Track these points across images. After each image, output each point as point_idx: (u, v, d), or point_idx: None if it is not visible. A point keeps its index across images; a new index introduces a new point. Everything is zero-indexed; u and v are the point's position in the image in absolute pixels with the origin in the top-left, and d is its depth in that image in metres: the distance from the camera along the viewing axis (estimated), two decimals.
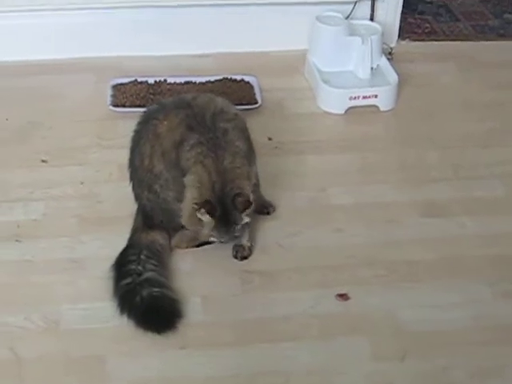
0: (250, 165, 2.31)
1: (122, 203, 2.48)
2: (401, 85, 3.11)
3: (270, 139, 2.85)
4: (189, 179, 2.24)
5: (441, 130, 2.97)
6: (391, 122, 3.05)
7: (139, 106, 2.92)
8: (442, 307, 2.26)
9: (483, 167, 2.79)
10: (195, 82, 3.12)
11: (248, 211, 2.23)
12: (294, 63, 3.28)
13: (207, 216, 2.19)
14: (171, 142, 2.26)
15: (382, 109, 3.07)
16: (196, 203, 2.19)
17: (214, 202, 2.19)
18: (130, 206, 2.40)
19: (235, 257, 2.39)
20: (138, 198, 2.38)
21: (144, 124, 2.34)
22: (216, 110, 2.30)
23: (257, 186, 2.39)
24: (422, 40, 3.54)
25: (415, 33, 3.58)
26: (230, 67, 3.22)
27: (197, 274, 2.33)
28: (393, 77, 3.11)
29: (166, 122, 2.28)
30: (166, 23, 3.24)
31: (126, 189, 2.39)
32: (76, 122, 2.94)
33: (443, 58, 3.41)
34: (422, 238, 2.49)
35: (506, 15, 3.76)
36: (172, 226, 2.36)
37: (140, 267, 2.24)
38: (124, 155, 2.39)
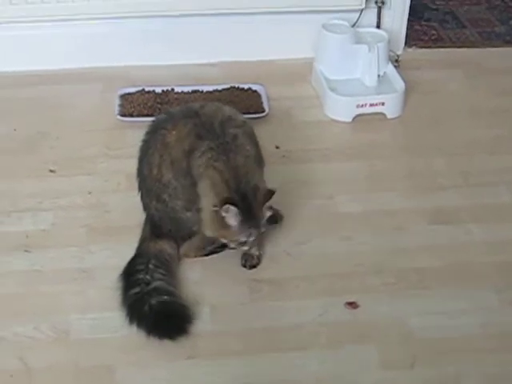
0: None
1: (130, 213, 2.49)
2: (408, 92, 3.11)
3: (277, 147, 2.85)
4: (202, 186, 2.23)
5: (448, 137, 2.97)
6: (398, 129, 3.05)
7: (147, 116, 2.93)
8: (450, 314, 2.26)
9: (491, 174, 2.78)
10: (202, 91, 3.13)
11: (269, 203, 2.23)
12: (300, 71, 3.29)
13: (232, 208, 2.15)
14: (181, 151, 2.26)
15: (389, 116, 3.07)
16: (215, 205, 2.18)
17: (234, 198, 2.18)
18: (139, 216, 2.41)
19: (244, 266, 2.39)
20: (146, 207, 2.38)
21: (152, 134, 2.34)
22: (224, 117, 2.31)
23: None
24: (429, 47, 3.54)
25: (422, 40, 3.58)
26: (237, 76, 3.23)
27: (205, 283, 2.33)
28: (400, 84, 3.11)
29: (174, 132, 2.28)
30: (173, 33, 3.25)
31: (134, 198, 2.40)
32: (84, 131, 2.95)
33: (450, 65, 3.41)
34: (430, 246, 2.49)
35: None
36: (180, 236, 2.36)
37: (148, 276, 2.25)
38: (132, 165, 2.40)
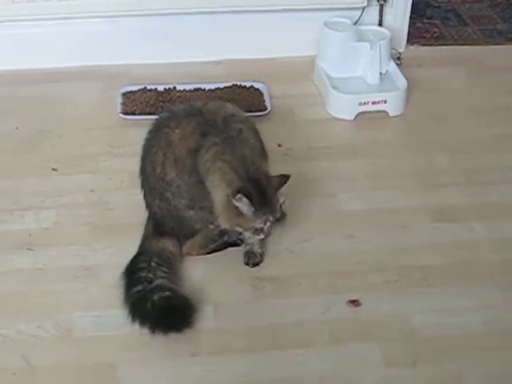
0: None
1: (132, 211, 2.49)
2: (410, 90, 3.11)
3: (279, 146, 2.85)
4: (211, 180, 2.23)
5: (450, 134, 2.97)
6: (401, 127, 3.05)
7: (149, 114, 2.93)
8: (454, 312, 2.26)
9: (493, 172, 2.78)
10: (204, 89, 3.13)
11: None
12: (302, 69, 3.29)
13: (245, 199, 2.15)
14: (185, 150, 2.25)
15: (391, 114, 3.07)
16: (228, 195, 2.18)
17: (246, 185, 2.18)
18: (141, 214, 2.41)
19: (247, 263, 2.39)
20: (149, 205, 2.38)
21: (155, 132, 2.34)
22: (227, 114, 2.31)
23: None
24: (431, 45, 3.54)
25: (424, 37, 3.58)
26: (239, 74, 3.23)
27: (208, 281, 2.33)
28: (402, 82, 3.11)
29: (178, 130, 2.27)
30: (174, 31, 3.25)
31: (137, 196, 2.39)
32: (86, 130, 2.95)
33: (452, 63, 3.41)
34: (433, 243, 2.49)
35: None
36: (183, 234, 2.36)
37: (150, 274, 2.25)
38: (134, 163, 2.40)
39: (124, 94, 3.09)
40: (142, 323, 2.16)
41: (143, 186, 2.37)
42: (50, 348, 2.14)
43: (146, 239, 2.36)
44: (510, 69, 3.39)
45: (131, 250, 2.33)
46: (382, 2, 3.32)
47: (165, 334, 2.14)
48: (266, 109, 3.03)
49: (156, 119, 2.40)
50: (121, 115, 2.99)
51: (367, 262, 2.41)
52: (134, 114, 3.00)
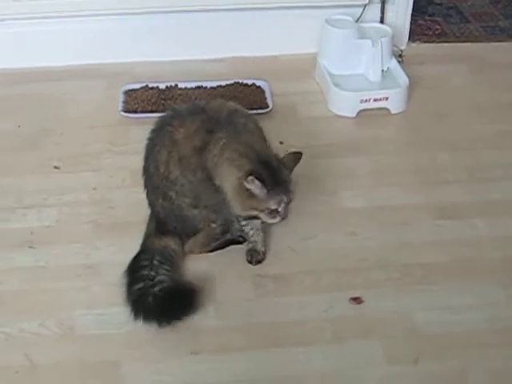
0: None
1: (134, 209, 2.49)
2: (411, 87, 3.11)
3: (281, 143, 2.85)
4: (221, 171, 2.22)
5: (452, 132, 2.97)
6: (402, 124, 3.05)
7: (151, 112, 2.93)
8: (456, 309, 2.26)
9: (495, 169, 2.78)
10: (206, 87, 3.13)
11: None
12: (304, 67, 3.29)
13: (256, 182, 2.15)
14: (190, 148, 2.25)
15: (392, 111, 3.07)
16: (239, 178, 2.17)
17: (257, 168, 2.18)
18: (143, 212, 2.41)
19: (250, 261, 2.39)
20: (151, 204, 2.37)
21: (158, 131, 2.33)
22: (230, 110, 2.32)
23: None
24: (433, 42, 3.53)
25: (425, 35, 3.58)
26: (241, 72, 3.23)
27: (210, 278, 2.33)
28: (403, 79, 3.11)
29: (182, 129, 2.27)
30: (176, 29, 3.25)
31: (139, 194, 2.39)
32: (88, 128, 2.95)
33: (454, 60, 3.41)
34: (436, 241, 2.49)
35: None
36: (185, 233, 2.36)
37: (153, 272, 2.25)
38: (136, 161, 2.40)
39: (126, 92, 3.09)
40: (146, 318, 2.16)
41: (146, 186, 2.37)
42: (53, 346, 2.14)
43: (148, 237, 2.37)
44: None
45: (133, 248, 2.33)
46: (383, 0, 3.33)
47: (170, 324, 2.15)
48: (267, 106, 3.03)
49: (159, 118, 2.39)
50: (122, 113, 2.99)
51: (369, 259, 2.41)
52: (135, 112, 3.00)
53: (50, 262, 2.39)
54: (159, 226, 2.36)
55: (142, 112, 2.99)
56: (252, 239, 2.38)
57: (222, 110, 2.31)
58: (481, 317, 2.23)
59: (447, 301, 2.29)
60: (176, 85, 3.14)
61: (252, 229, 2.37)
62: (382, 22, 3.35)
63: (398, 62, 3.22)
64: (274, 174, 2.19)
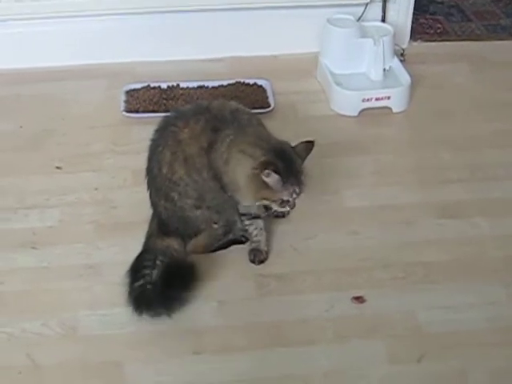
0: None
1: (136, 209, 2.49)
2: (413, 86, 3.11)
3: None
4: (233, 165, 2.22)
5: (454, 130, 2.97)
6: (404, 123, 3.05)
7: (152, 112, 2.94)
8: (458, 309, 2.26)
9: (497, 168, 2.78)
10: (208, 87, 3.13)
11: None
12: (306, 66, 3.28)
13: (274, 175, 2.14)
14: (197, 148, 2.25)
15: (394, 110, 3.07)
16: (255, 167, 2.17)
17: (272, 158, 2.17)
18: (145, 212, 2.41)
19: (252, 261, 2.39)
20: (154, 205, 2.37)
21: (162, 132, 2.33)
22: (232, 109, 2.32)
23: None
24: (434, 41, 3.53)
25: (427, 33, 3.57)
26: (243, 71, 3.23)
27: (212, 278, 2.33)
28: (405, 78, 3.11)
29: (186, 130, 2.26)
30: (177, 28, 3.25)
31: (140, 194, 2.39)
32: (90, 128, 2.95)
33: (455, 59, 3.41)
34: (438, 240, 2.49)
35: None
36: (187, 233, 2.36)
37: (155, 272, 2.25)
38: (138, 161, 2.40)
39: (127, 92, 3.10)
40: (149, 310, 2.17)
41: (149, 187, 2.36)
42: (55, 346, 2.15)
43: (150, 237, 2.36)
44: None
45: (136, 248, 2.33)
46: None
47: (174, 305, 2.17)
48: (269, 106, 3.03)
49: (162, 119, 2.38)
50: (124, 113, 2.99)
51: (371, 258, 2.41)
52: (137, 111, 3.00)
53: (52, 262, 2.39)
54: (161, 226, 2.36)
55: (144, 112, 2.99)
56: (255, 239, 2.38)
57: (225, 108, 2.32)
58: (483, 316, 2.23)
59: (449, 300, 2.29)
60: (178, 84, 3.14)
61: (256, 228, 2.37)
62: (383, 20, 3.35)
63: (400, 60, 3.22)
64: (288, 164, 2.19)
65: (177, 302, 2.19)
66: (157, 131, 2.35)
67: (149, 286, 2.21)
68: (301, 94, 3.16)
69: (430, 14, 3.73)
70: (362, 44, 3.15)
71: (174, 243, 2.34)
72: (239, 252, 2.41)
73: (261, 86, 3.14)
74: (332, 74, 3.14)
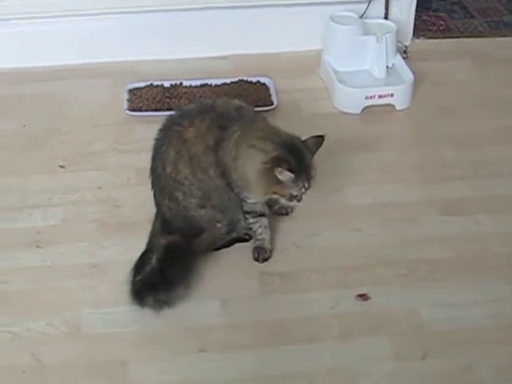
0: None
1: (140, 207, 2.49)
2: (416, 83, 3.11)
3: None
4: (242, 161, 2.22)
5: (458, 127, 2.97)
6: (407, 120, 3.05)
7: (155, 110, 2.94)
8: (461, 306, 2.26)
9: (500, 165, 2.78)
10: (211, 85, 3.13)
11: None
12: (309, 64, 3.28)
13: (287, 173, 2.15)
14: (203, 147, 2.25)
15: (397, 108, 3.07)
16: (265, 162, 2.17)
17: (283, 153, 2.17)
18: (149, 211, 2.40)
19: (256, 259, 2.39)
20: (158, 205, 2.37)
21: (166, 131, 2.33)
22: (236, 106, 2.32)
23: None
24: (437, 38, 3.53)
25: (430, 30, 3.57)
26: (246, 69, 3.23)
27: (216, 277, 2.33)
28: (408, 75, 3.10)
29: (192, 129, 2.26)
30: (180, 27, 3.25)
31: (144, 193, 2.39)
32: (93, 127, 2.95)
33: (458, 56, 3.40)
34: (441, 237, 2.49)
35: None
36: (190, 233, 2.35)
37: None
38: (141, 159, 2.40)
39: (130, 91, 3.09)
40: (149, 295, 2.18)
41: (153, 186, 2.36)
42: (60, 345, 2.15)
43: (153, 236, 2.36)
44: None
45: (140, 247, 2.33)
46: None
47: (175, 290, 2.18)
48: (272, 104, 3.03)
49: (166, 118, 2.37)
50: (127, 112, 2.99)
51: (375, 255, 2.41)
52: (140, 110, 3.00)
53: (56, 261, 2.39)
54: (165, 226, 2.36)
55: (147, 110, 2.99)
56: (260, 237, 2.38)
57: (230, 105, 2.32)
58: (486, 313, 2.23)
59: (453, 297, 2.29)
60: (181, 83, 3.13)
61: (260, 226, 2.37)
62: (386, 18, 3.35)
63: (403, 58, 3.22)
64: (299, 159, 2.19)
65: (177, 286, 2.19)
66: (161, 131, 2.35)
67: (148, 273, 2.21)
68: (304, 92, 3.16)
69: (433, 11, 3.72)
70: (365, 41, 3.15)
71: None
72: (243, 250, 2.41)
73: (264, 84, 3.14)
74: (335, 71, 3.14)
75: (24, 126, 2.96)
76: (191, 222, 2.32)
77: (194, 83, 3.13)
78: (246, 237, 2.43)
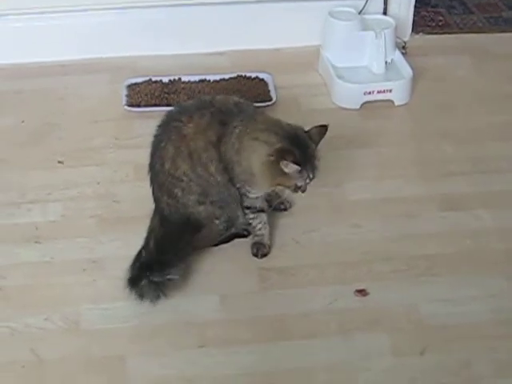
0: None
1: (139, 203, 2.49)
2: (415, 79, 3.10)
3: None
4: (246, 153, 2.22)
5: (457, 123, 2.97)
6: (406, 116, 3.05)
7: (154, 105, 2.94)
8: (460, 301, 2.26)
9: (500, 160, 2.78)
10: (209, 80, 3.13)
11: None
12: (307, 59, 3.28)
13: (293, 165, 2.15)
14: (204, 143, 2.24)
15: (396, 103, 3.06)
16: (270, 154, 2.17)
17: (287, 145, 2.17)
18: (147, 206, 2.40)
19: (255, 255, 2.39)
20: (157, 201, 2.36)
21: (164, 127, 2.32)
22: (235, 101, 2.32)
23: None
24: (436, 33, 3.52)
25: (429, 26, 3.57)
26: (244, 65, 3.22)
27: (214, 272, 2.33)
28: (407, 71, 3.10)
29: (191, 124, 2.26)
30: (179, 22, 3.25)
31: (143, 189, 2.39)
32: (92, 122, 2.95)
33: (457, 51, 3.40)
34: (440, 232, 2.49)
35: None
36: (189, 229, 2.35)
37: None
38: (140, 155, 2.40)
39: (129, 86, 3.09)
40: (145, 277, 2.18)
41: (152, 183, 2.35)
42: (59, 341, 2.15)
43: (152, 232, 2.36)
44: None
45: (138, 242, 2.33)
46: None
47: (170, 272, 2.18)
48: (271, 99, 3.03)
49: (165, 114, 2.37)
50: (126, 107, 2.99)
51: (374, 251, 2.42)
52: (139, 105, 3.00)
53: (55, 256, 2.39)
54: (163, 222, 2.35)
55: (146, 106, 2.99)
56: (259, 232, 2.38)
57: (229, 101, 2.32)
58: (485, 308, 2.23)
59: (452, 292, 2.29)
60: (179, 78, 3.13)
61: (260, 222, 2.37)
62: (385, 13, 3.34)
63: (402, 53, 3.22)
64: (303, 150, 2.19)
65: (171, 268, 2.18)
66: (159, 127, 2.34)
67: (143, 259, 2.22)
68: (302, 88, 3.16)
69: (432, 7, 3.72)
70: (364, 37, 3.15)
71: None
72: (241, 246, 2.41)
73: (262, 80, 3.14)
74: (334, 67, 3.14)
75: (23, 121, 2.96)
76: (190, 219, 2.31)
77: (193, 79, 3.13)
78: (245, 232, 2.43)
